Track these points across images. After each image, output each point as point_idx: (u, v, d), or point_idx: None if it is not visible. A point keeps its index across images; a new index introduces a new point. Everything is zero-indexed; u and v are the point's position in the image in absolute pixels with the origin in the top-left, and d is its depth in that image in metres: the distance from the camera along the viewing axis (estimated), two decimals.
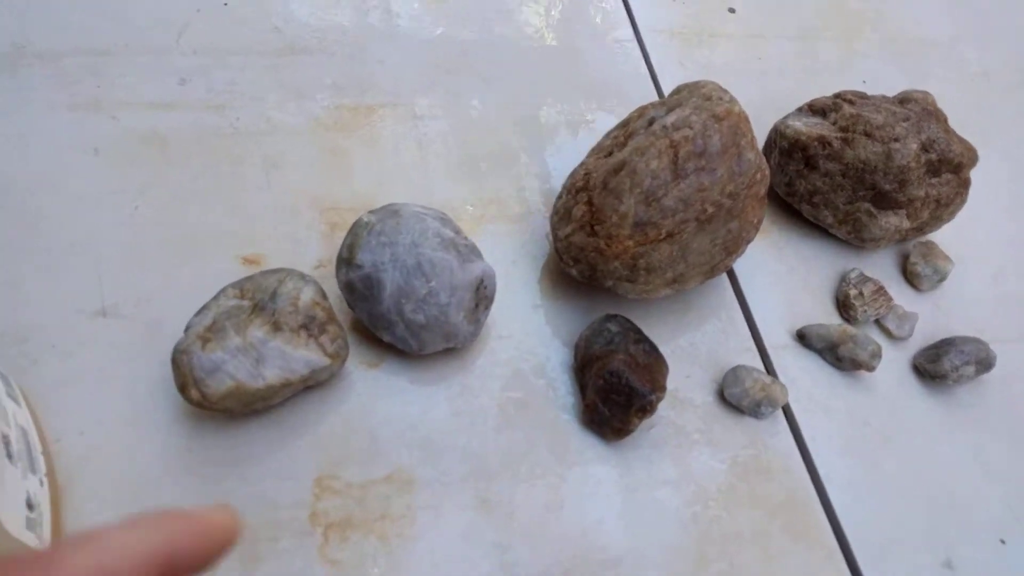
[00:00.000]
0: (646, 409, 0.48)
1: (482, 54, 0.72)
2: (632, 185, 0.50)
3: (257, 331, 0.46)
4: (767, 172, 0.54)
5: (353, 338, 0.53)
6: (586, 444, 0.50)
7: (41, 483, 0.42)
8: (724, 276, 0.60)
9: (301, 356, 0.47)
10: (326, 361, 0.48)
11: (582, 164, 0.56)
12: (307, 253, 0.57)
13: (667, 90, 0.73)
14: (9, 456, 0.38)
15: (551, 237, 0.56)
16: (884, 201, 0.58)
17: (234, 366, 0.45)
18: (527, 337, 0.55)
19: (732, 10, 0.81)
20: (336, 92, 0.67)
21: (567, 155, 0.66)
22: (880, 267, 0.62)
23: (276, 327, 0.47)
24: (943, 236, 0.63)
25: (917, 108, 0.59)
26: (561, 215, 0.55)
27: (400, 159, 0.64)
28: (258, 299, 0.48)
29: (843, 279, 0.59)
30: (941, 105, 0.65)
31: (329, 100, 0.66)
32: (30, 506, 0.39)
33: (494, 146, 0.66)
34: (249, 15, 0.71)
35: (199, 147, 0.62)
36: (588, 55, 0.74)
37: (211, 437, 0.48)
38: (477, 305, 0.51)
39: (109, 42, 0.66)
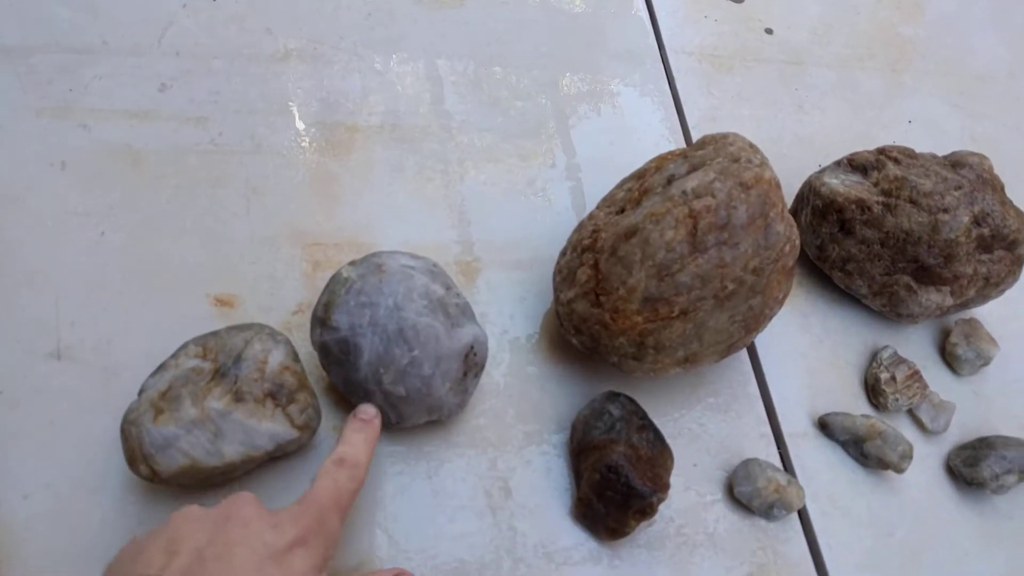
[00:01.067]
0: (645, 512, 0.44)
1: (495, 84, 0.67)
2: (644, 256, 0.45)
3: (216, 402, 0.42)
4: (797, 243, 0.49)
5: (326, 401, 0.49)
6: (577, 541, 0.46)
7: None
8: None
9: (266, 429, 0.43)
10: (294, 434, 0.44)
11: (591, 217, 0.51)
12: (285, 295, 0.53)
13: (691, 119, 0.67)
14: None
15: (553, 295, 0.52)
16: (926, 276, 0.53)
17: (188, 442, 0.41)
18: (519, 409, 0.51)
19: (769, 31, 0.75)
20: (329, 108, 0.62)
21: (593, 183, 0.61)
22: (916, 344, 0.57)
23: (238, 397, 0.43)
24: (989, 313, 0.58)
25: (971, 175, 0.53)
26: (564, 275, 0.50)
27: (393, 189, 0.59)
28: (221, 362, 0.44)
29: (874, 359, 0.54)
30: (996, 154, 0.59)
31: (320, 117, 0.61)
32: None
33: (501, 177, 0.61)
34: (239, 12, 0.66)
35: (175, 165, 0.57)
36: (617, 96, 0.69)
37: (164, 509, 0.45)
38: (465, 374, 0.47)
39: (86, 39, 0.62)
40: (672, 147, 0.65)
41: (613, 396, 0.49)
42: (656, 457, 0.46)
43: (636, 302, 0.46)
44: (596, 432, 0.47)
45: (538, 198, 0.61)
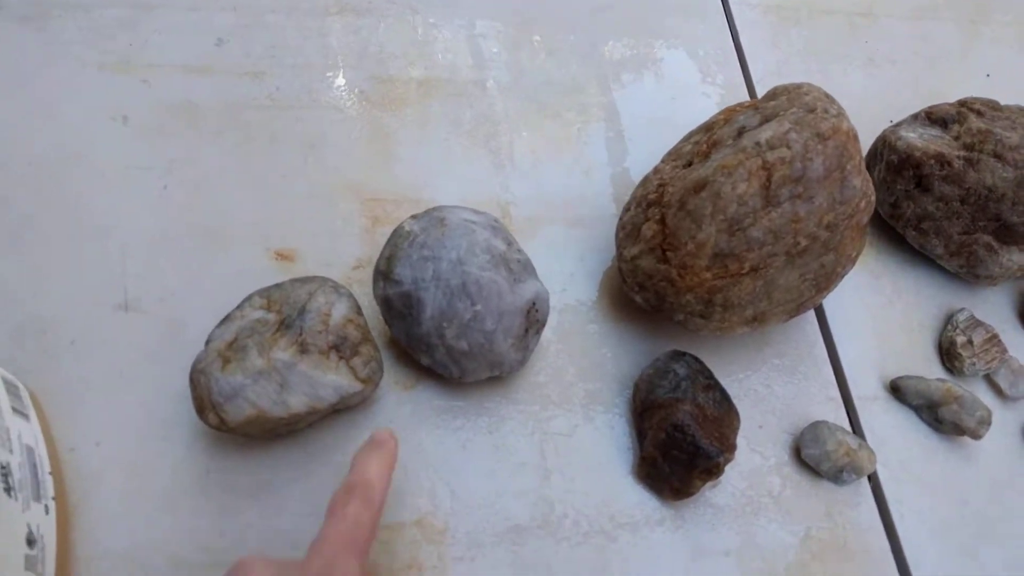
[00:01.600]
0: (712, 472, 0.43)
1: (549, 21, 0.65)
2: (715, 210, 0.44)
3: (282, 353, 0.42)
4: (872, 199, 0.47)
5: (388, 355, 0.49)
6: (639, 501, 0.46)
7: (47, 509, 0.40)
8: None
9: (330, 381, 0.43)
10: (358, 386, 0.44)
11: (656, 171, 0.50)
12: (345, 250, 0.53)
13: (756, 74, 0.65)
14: (8, 490, 0.36)
15: (616, 252, 0.51)
16: (1009, 235, 0.51)
17: (255, 392, 0.42)
18: (580, 367, 0.50)
19: None
20: (385, 62, 0.61)
21: (646, 148, 0.60)
22: (993, 307, 0.55)
23: (303, 348, 0.43)
24: None
25: None
26: (628, 231, 0.49)
27: (452, 144, 0.58)
28: (286, 314, 0.44)
29: (949, 321, 0.52)
30: None
31: (377, 71, 0.61)
32: (30, 542, 0.37)
33: (558, 134, 0.60)
34: None
35: (233, 120, 0.57)
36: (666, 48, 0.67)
37: (231, 458, 0.45)
38: (527, 331, 0.47)
39: None
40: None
41: (678, 355, 0.48)
42: (722, 417, 0.46)
43: (705, 258, 0.44)
44: (661, 391, 0.46)
45: (597, 155, 0.59)
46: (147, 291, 0.50)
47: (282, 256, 0.53)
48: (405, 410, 0.48)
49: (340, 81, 0.60)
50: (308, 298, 0.45)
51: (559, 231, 0.55)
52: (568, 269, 0.54)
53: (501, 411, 0.48)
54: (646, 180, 0.50)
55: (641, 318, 0.52)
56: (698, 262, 0.45)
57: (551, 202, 0.57)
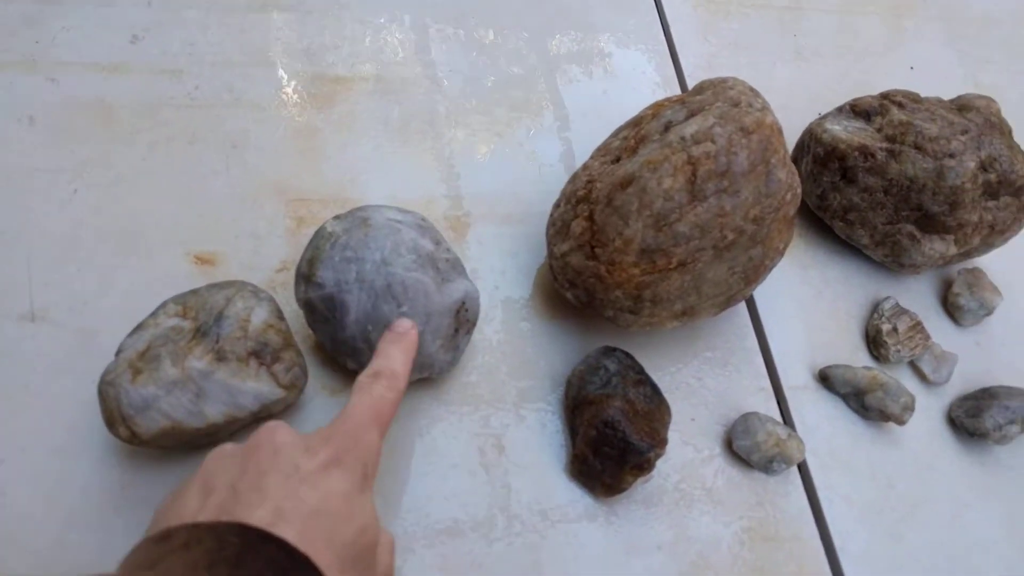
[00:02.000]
0: (642, 467, 0.43)
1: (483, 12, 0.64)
2: (641, 206, 0.43)
3: (197, 361, 0.41)
4: (799, 191, 0.47)
5: (313, 360, 0.48)
6: (572, 497, 0.45)
7: None
8: None
9: (250, 389, 0.42)
10: (280, 393, 0.43)
11: (585, 167, 0.50)
12: (269, 252, 0.51)
13: (687, 68, 0.65)
14: None
15: (547, 249, 0.50)
16: (930, 224, 0.52)
17: (169, 403, 0.40)
18: (513, 365, 0.49)
19: None
20: (310, 59, 0.60)
21: (579, 143, 0.59)
22: (918, 295, 0.56)
23: (220, 356, 0.41)
24: (991, 262, 0.57)
25: (979, 119, 0.52)
26: (558, 228, 0.48)
27: (379, 142, 0.57)
28: (202, 320, 0.43)
29: (875, 310, 0.53)
30: (1001, 101, 0.57)
31: (302, 68, 0.59)
32: None
33: (491, 130, 0.59)
34: None
35: (150, 120, 0.55)
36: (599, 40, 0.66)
37: (147, 472, 0.43)
38: (456, 331, 0.46)
39: None
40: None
41: (609, 351, 0.48)
42: (653, 412, 0.46)
43: (633, 254, 0.44)
44: (592, 387, 0.46)
45: (528, 152, 0.59)
46: (55, 300, 0.48)
47: (202, 260, 0.51)
48: (332, 415, 0.46)
49: (264, 78, 0.58)
50: (226, 304, 0.43)
51: (492, 229, 0.55)
52: (500, 267, 0.53)
53: (432, 412, 0.47)
54: (575, 177, 0.50)
55: (573, 315, 0.52)
56: (626, 258, 0.44)
57: (484, 200, 0.56)
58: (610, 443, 0.43)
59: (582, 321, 0.52)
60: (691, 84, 0.64)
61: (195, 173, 0.54)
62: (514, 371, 0.49)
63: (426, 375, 0.46)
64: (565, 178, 0.58)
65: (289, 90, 0.58)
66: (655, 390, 0.47)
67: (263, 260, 0.51)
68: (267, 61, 0.59)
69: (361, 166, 0.56)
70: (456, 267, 0.47)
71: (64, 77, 0.55)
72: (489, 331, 0.51)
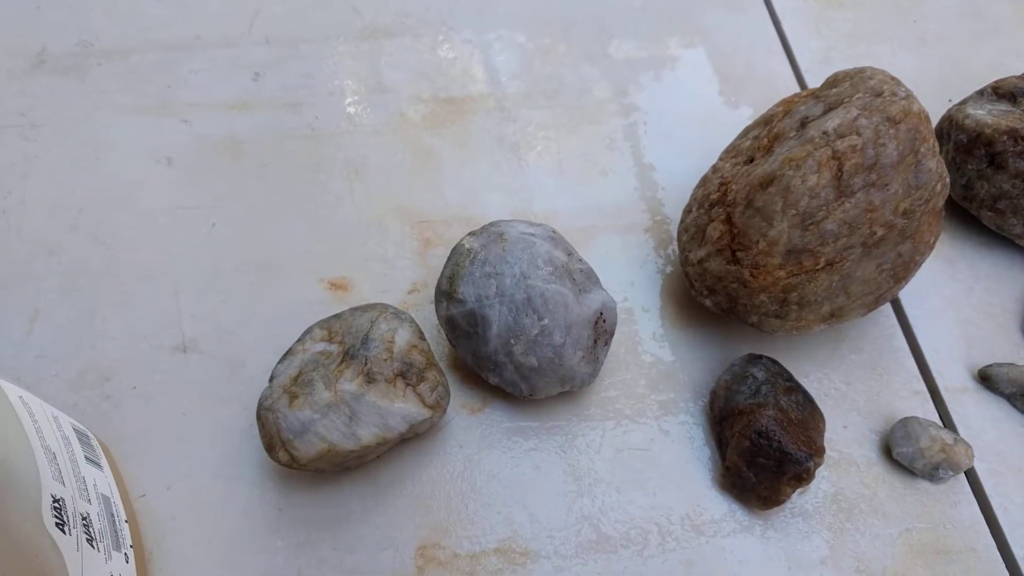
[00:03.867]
0: (802, 478, 0.42)
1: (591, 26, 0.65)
2: (785, 205, 0.42)
3: (349, 384, 0.42)
4: (947, 181, 0.45)
5: (453, 378, 0.49)
6: (725, 511, 0.44)
7: (127, 558, 0.39)
8: None
9: (398, 410, 0.43)
10: (426, 413, 0.43)
11: (715, 169, 0.49)
12: (399, 276, 0.53)
13: (803, 63, 0.64)
14: (90, 540, 0.36)
15: (679, 257, 0.50)
16: None
17: (325, 426, 0.41)
18: (651, 378, 0.49)
19: None
20: (422, 82, 0.61)
21: (695, 148, 0.59)
22: None
23: (369, 378, 0.42)
24: None
25: None
26: (692, 234, 0.48)
27: (496, 159, 0.58)
28: (348, 344, 0.44)
29: None
30: None
31: (415, 91, 0.61)
32: None
33: (601, 138, 0.59)
34: None
35: (275, 152, 0.57)
36: (716, 34, 0.66)
37: (301, 495, 0.45)
38: (595, 342, 0.46)
39: (178, 34, 0.62)
40: (786, 94, 0.61)
41: (755, 359, 0.47)
42: (807, 420, 0.44)
43: (778, 255, 0.43)
44: (740, 397, 0.45)
45: (646, 161, 0.58)
46: (203, 330, 0.50)
47: (336, 286, 0.52)
48: (474, 434, 0.47)
49: (379, 103, 0.60)
50: (370, 326, 0.44)
51: (613, 239, 0.55)
52: (627, 277, 0.53)
53: (573, 428, 0.47)
54: (706, 180, 0.49)
55: (710, 322, 0.51)
56: (771, 260, 0.43)
57: (601, 210, 0.56)
58: (765, 454, 0.42)
59: (720, 328, 0.51)
60: (809, 80, 0.63)
61: (321, 201, 0.56)
62: (653, 383, 0.49)
63: (567, 388, 0.46)
64: (683, 185, 0.57)
65: (403, 114, 0.60)
66: (807, 397, 0.45)
67: (394, 283, 0.52)
68: (381, 87, 0.61)
69: (481, 184, 0.57)
70: (591, 277, 0.47)
71: (195, 118, 0.58)
72: (624, 343, 0.50)
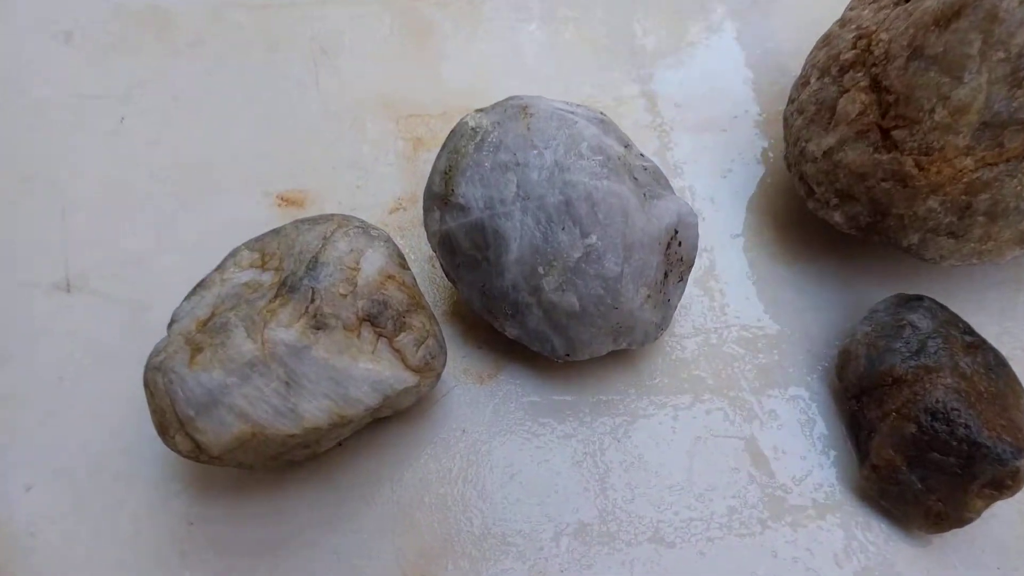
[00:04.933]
0: (1004, 484, 0.26)
1: None
2: (987, 45, 0.27)
3: (284, 331, 0.27)
4: None
5: (452, 329, 0.34)
6: (875, 534, 0.29)
7: None
8: None
9: (365, 372, 0.28)
10: (409, 379, 0.29)
11: (844, 22, 0.33)
12: (378, 188, 0.38)
13: None
14: None
15: (788, 154, 0.34)
16: None
17: (246, 396, 0.26)
18: (746, 334, 0.34)
19: None
20: None
21: (794, 17, 0.43)
22: None
23: (317, 321, 0.27)
24: None
25: None
26: (811, 115, 0.32)
27: (517, 32, 0.43)
28: (288, 270, 0.29)
29: None
30: None
31: None
32: None
33: (668, 5, 0.43)
34: None
35: (216, 26, 0.42)
36: None
37: (222, 502, 0.30)
38: (667, 275, 0.30)
39: None
40: None
41: (911, 301, 0.31)
42: (1004, 394, 0.29)
43: (966, 131, 0.27)
44: (894, 358, 0.29)
45: (722, 34, 0.43)
46: (97, 262, 0.35)
47: (288, 201, 0.38)
48: (483, 413, 0.32)
49: None
50: (322, 245, 0.29)
51: (684, 140, 0.39)
52: (707, 191, 0.37)
53: (631, 406, 0.32)
54: (830, 38, 0.33)
55: (832, 251, 0.35)
56: (952, 140, 0.28)
57: (666, 102, 0.40)
58: (942, 445, 0.27)
59: (847, 259, 0.35)
60: None
61: (276, 89, 0.41)
62: (749, 341, 0.33)
63: (624, 346, 0.31)
64: (780, 67, 0.41)
65: None
66: (998, 359, 0.30)
67: (370, 197, 0.38)
68: None
69: (495, 65, 0.41)
70: (658, 178, 0.32)
71: None
72: (704, 283, 0.35)
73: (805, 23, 0.42)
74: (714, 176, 0.38)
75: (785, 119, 0.34)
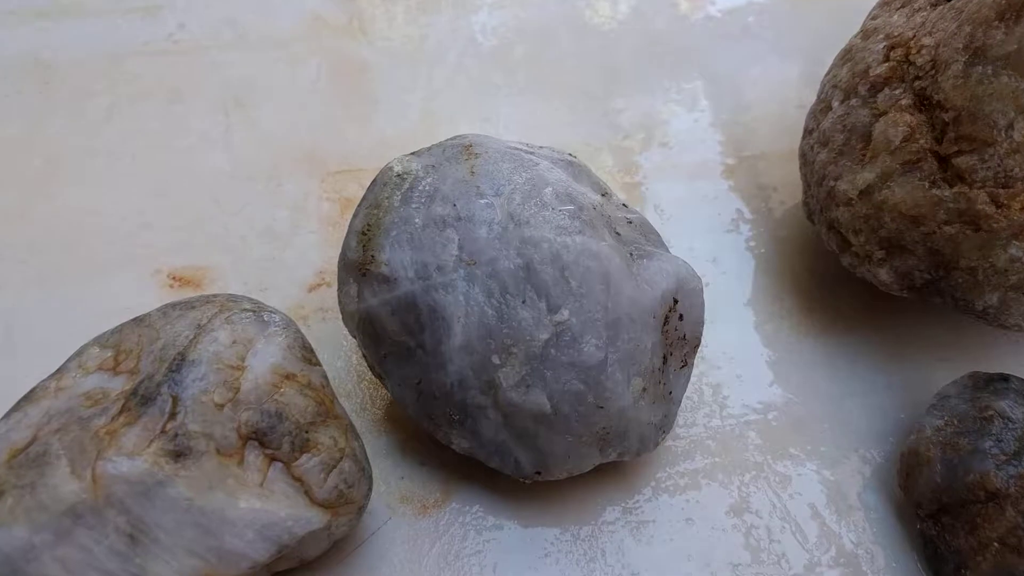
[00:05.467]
0: None
1: None
2: None
3: (128, 461, 0.19)
4: None
5: (389, 442, 0.26)
6: None
7: None
8: None
9: (248, 515, 0.20)
10: (314, 518, 0.21)
11: (868, 33, 0.27)
12: (296, 260, 0.31)
13: None
14: None
15: (809, 200, 0.27)
16: None
17: (62, 560, 0.18)
18: (771, 428, 0.26)
19: None
20: None
21: (794, 49, 0.37)
22: None
23: (179, 446, 0.19)
24: None
25: None
26: (838, 146, 0.26)
27: (469, 70, 0.36)
28: (145, 374, 0.21)
29: None
30: None
31: None
32: None
33: (635, 27, 0.37)
34: None
35: (109, 77, 0.36)
36: None
37: None
38: (666, 359, 0.23)
39: None
40: None
41: (996, 382, 0.24)
42: None
43: None
44: (984, 464, 0.22)
45: (715, 65, 0.37)
46: None
47: (182, 281, 0.30)
48: (427, 555, 0.24)
49: (280, 3, 0.39)
50: (194, 336, 0.21)
51: (675, 189, 0.32)
52: (708, 250, 0.30)
53: (626, 543, 0.24)
54: (852, 52, 0.27)
55: (873, 318, 0.28)
56: None
57: (649, 142, 0.34)
58: None
59: (895, 327, 0.28)
60: None
61: (175, 146, 0.34)
62: (775, 442, 0.26)
63: (613, 457, 0.23)
64: (787, 93, 0.35)
65: (321, 15, 0.38)
66: None
67: (285, 273, 0.30)
68: None
69: (440, 109, 0.35)
70: (648, 234, 0.25)
71: None
72: (710, 367, 0.27)
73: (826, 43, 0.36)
74: (715, 231, 0.31)
75: (802, 155, 0.28)
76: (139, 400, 0.20)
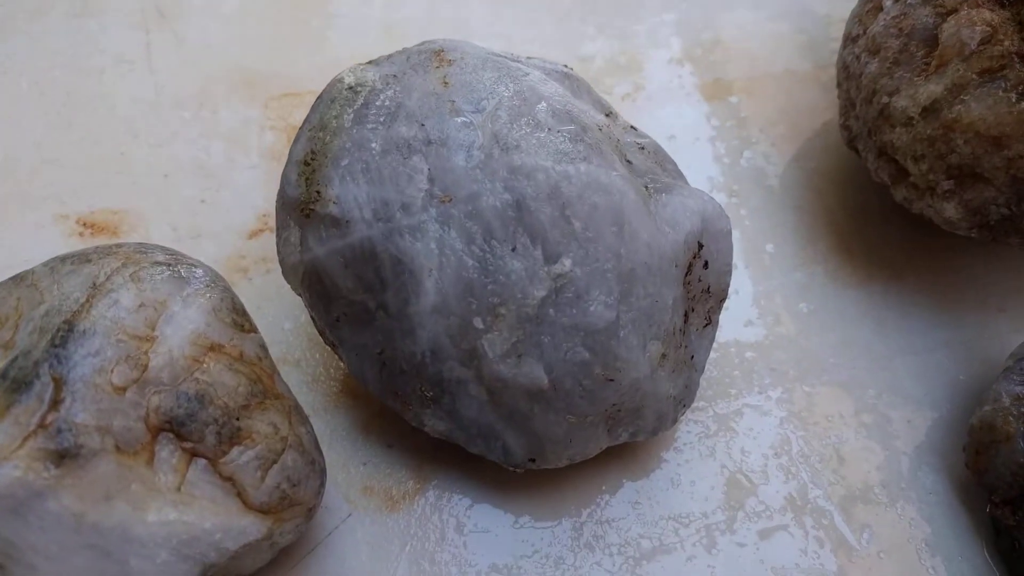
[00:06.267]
0: None
1: None
2: None
3: None
4: None
5: (348, 419, 0.21)
6: None
7: None
8: None
9: (160, 530, 0.15)
10: (251, 527, 0.17)
11: None
12: (233, 200, 0.26)
13: None
14: None
15: (849, 118, 0.23)
16: None
17: None
18: (807, 395, 0.22)
19: None
20: None
21: None
22: None
23: (62, 445, 0.15)
24: None
25: None
26: (893, 53, 0.21)
27: None
28: (21, 347, 0.16)
29: None
30: None
31: None
32: None
33: None
34: None
35: None
36: None
37: None
38: (687, 317, 0.19)
39: None
40: None
41: None
42: None
43: None
44: None
45: None
46: None
47: (94, 228, 0.25)
48: (396, 558, 0.20)
49: None
50: (86, 299, 0.17)
51: (687, 112, 0.28)
52: (724, 183, 0.26)
53: (642, 534, 0.20)
54: None
55: (930, 264, 0.24)
56: None
57: (657, 58, 0.29)
58: None
59: (955, 275, 0.24)
60: None
61: (86, 68, 0.29)
62: (813, 412, 0.22)
63: (624, 438, 0.19)
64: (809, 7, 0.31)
65: None
66: None
67: (221, 216, 0.26)
68: None
69: (406, 23, 0.30)
70: (664, 163, 0.20)
71: None
72: (734, 322, 0.23)
73: None
74: (734, 161, 0.27)
75: (843, 67, 0.23)
76: (9, 384, 0.15)
